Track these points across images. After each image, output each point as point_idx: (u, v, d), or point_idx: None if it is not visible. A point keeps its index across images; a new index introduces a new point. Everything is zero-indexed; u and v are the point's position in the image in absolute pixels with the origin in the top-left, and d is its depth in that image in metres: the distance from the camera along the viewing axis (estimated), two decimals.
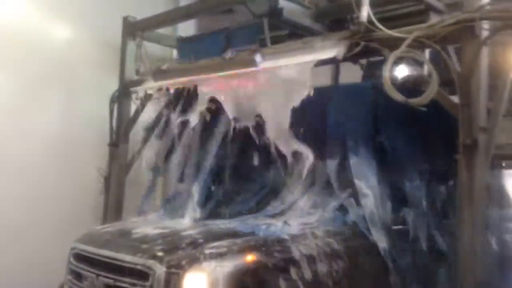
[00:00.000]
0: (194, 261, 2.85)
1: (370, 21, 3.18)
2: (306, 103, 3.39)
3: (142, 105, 5.01)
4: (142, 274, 2.92)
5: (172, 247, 3.03)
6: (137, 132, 5.25)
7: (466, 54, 2.89)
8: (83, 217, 4.98)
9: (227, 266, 2.81)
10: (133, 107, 5.14)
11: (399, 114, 3.42)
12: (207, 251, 2.90)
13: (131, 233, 3.45)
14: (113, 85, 5.25)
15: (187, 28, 5.74)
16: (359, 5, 3.22)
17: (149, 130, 4.63)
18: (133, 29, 5.13)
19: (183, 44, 5.07)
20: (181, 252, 2.95)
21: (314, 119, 3.73)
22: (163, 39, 5.38)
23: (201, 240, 3.08)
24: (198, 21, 5.94)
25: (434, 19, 3.75)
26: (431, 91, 2.89)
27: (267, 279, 2.88)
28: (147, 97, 4.81)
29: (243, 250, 2.95)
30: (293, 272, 2.97)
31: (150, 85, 4.45)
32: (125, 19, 5.17)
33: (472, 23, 2.80)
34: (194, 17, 5.23)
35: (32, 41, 4.92)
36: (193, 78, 3.98)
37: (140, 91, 4.61)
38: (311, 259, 3.08)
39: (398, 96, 2.98)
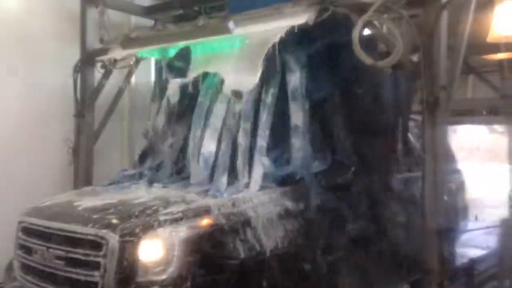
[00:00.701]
0: (148, 228, 2.82)
1: None
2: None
3: (107, 74, 4.99)
4: (95, 245, 2.87)
5: (125, 216, 2.98)
6: (102, 101, 5.26)
7: (428, 17, 3.12)
8: (52, 190, 4.93)
9: (182, 231, 2.80)
10: (97, 76, 5.11)
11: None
12: (161, 218, 2.87)
13: (81, 204, 3.35)
14: (75, 54, 5.15)
15: None
16: None
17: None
18: None
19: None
20: (134, 220, 2.90)
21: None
22: (126, 6, 5.29)
23: (154, 207, 3.03)
24: None
25: None
26: (397, 53, 3.11)
27: (223, 242, 2.88)
28: (112, 66, 4.80)
29: (198, 214, 2.94)
30: (249, 233, 3.02)
31: (119, 53, 4.41)
32: None
33: None
34: None
35: None
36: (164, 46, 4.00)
37: (107, 59, 4.55)
38: (267, 220, 3.14)
39: (367, 59, 3.18)
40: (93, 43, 5.05)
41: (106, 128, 5.35)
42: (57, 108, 5.21)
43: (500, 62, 3.98)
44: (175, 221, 2.87)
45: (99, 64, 4.91)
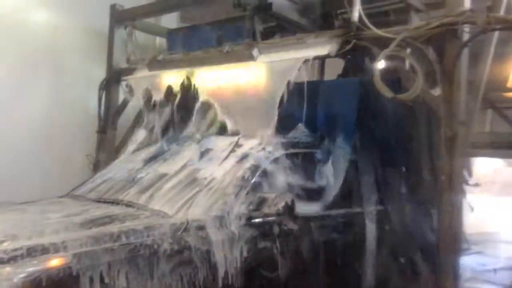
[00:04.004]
0: None
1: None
2: (295, 96, 3.61)
3: (131, 93, 5.14)
4: None
5: None
6: (125, 118, 5.39)
7: (448, 54, 3.18)
8: None
9: (16, 273, 2.15)
10: (121, 95, 5.26)
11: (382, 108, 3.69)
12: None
13: None
14: (100, 72, 5.33)
15: (170, 19, 5.86)
16: (350, 2, 3.47)
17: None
18: (121, 17, 5.20)
19: (172, 35, 5.16)
20: None
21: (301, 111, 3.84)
22: (152, 28, 5.47)
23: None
24: (180, 12, 6.04)
25: (414, 17, 4.11)
26: (417, 87, 3.19)
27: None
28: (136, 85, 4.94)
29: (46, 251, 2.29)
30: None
31: (144, 74, 4.55)
32: (112, 7, 5.24)
33: (455, 26, 3.10)
34: (181, 8, 5.32)
35: (20, 29, 4.93)
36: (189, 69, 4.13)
37: (132, 79, 4.70)
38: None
39: (387, 92, 3.26)
40: (119, 62, 5.24)
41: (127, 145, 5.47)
42: (81, 123, 5.37)
43: None
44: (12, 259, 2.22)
45: (124, 83, 5.06)
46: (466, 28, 3.13)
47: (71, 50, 5.34)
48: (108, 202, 3.28)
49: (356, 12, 3.44)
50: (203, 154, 3.54)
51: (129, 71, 4.91)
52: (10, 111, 4.89)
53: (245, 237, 2.89)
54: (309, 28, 4.52)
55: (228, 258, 2.79)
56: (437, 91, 3.36)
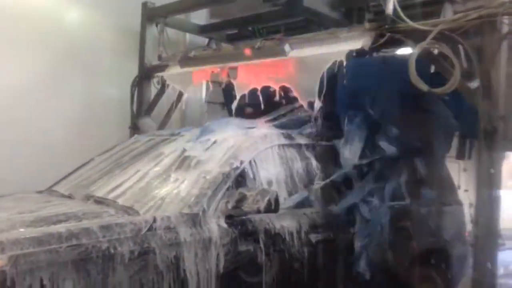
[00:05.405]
0: None
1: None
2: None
3: (163, 89, 5.21)
4: None
5: None
6: (156, 115, 5.47)
7: (487, 47, 3.11)
8: None
9: None
10: (153, 91, 5.34)
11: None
12: None
13: None
14: (132, 69, 5.41)
15: (199, 15, 5.90)
16: None
17: None
18: (152, 15, 5.26)
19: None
20: None
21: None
22: (183, 24, 5.52)
23: None
24: (209, 8, 6.08)
25: (448, 8, 4.01)
26: (455, 81, 3.13)
27: None
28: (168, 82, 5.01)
29: None
30: None
31: (176, 71, 4.60)
32: (144, 5, 5.30)
33: (494, 18, 3.02)
34: (212, 4, 5.34)
35: (55, 29, 5.05)
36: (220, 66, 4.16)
37: (164, 76, 4.76)
38: None
39: (423, 86, 3.21)
40: (151, 59, 5.30)
41: None
42: (114, 119, 5.47)
43: None
44: None
45: (155, 80, 5.13)
46: (506, 20, 3.05)
47: (104, 49, 5.43)
48: (78, 198, 3.02)
49: (391, 4, 3.39)
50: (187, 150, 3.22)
51: (161, 68, 4.97)
52: (46, 109, 5.01)
53: (223, 237, 2.59)
54: (340, 22, 4.48)
55: (201, 262, 2.47)
56: (474, 85, 3.29)
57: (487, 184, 3.08)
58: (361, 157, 3.53)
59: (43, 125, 4.99)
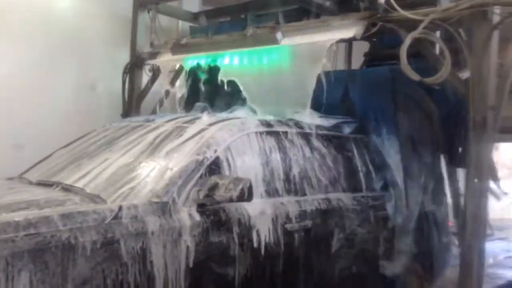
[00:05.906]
0: None
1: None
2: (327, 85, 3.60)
3: (154, 77, 5.17)
4: None
5: None
6: (148, 102, 5.44)
7: (477, 37, 3.11)
8: None
9: None
10: (145, 78, 5.30)
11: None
12: None
13: None
14: (124, 57, 5.37)
15: (192, 2, 5.85)
16: None
17: None
18: (144, 1, 5.21)
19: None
20: None
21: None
22: (175, 12, 5.47)
23: None
24: None
25: (444, 1, 4.00)
26: (445, 71, 3.13)
27: None
28: (159, 69, 4.97)
29: None
30: None
31: (168, 58, 4.57)
32: None
33: (485, 7, 3.02)
34: None
35: (47, 17, 5.00)
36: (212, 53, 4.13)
37: (156, 64, 4.73)
38: None
39: (413, 75, 3.21)
40: (143, 46, 5.26)
41: None
42: (105, 107, 5.44)
43: None
44: None
45: (147, 67, 5.09)
46: (497, 10, 3.05)
47: (96, 36, 5.37)
48: (46, 185, 2.89)
49: None
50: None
51: (153, 55, 4.94)
52: (38, 97, 4.96)
53: (194, 227, 2.49)
54: (333, 10, 4.46)
55: (169, 253, 2.36)
56: (465, 75, 3.30)
57: (476, 174, 3.11)
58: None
59: (34, 114, 4.94)
